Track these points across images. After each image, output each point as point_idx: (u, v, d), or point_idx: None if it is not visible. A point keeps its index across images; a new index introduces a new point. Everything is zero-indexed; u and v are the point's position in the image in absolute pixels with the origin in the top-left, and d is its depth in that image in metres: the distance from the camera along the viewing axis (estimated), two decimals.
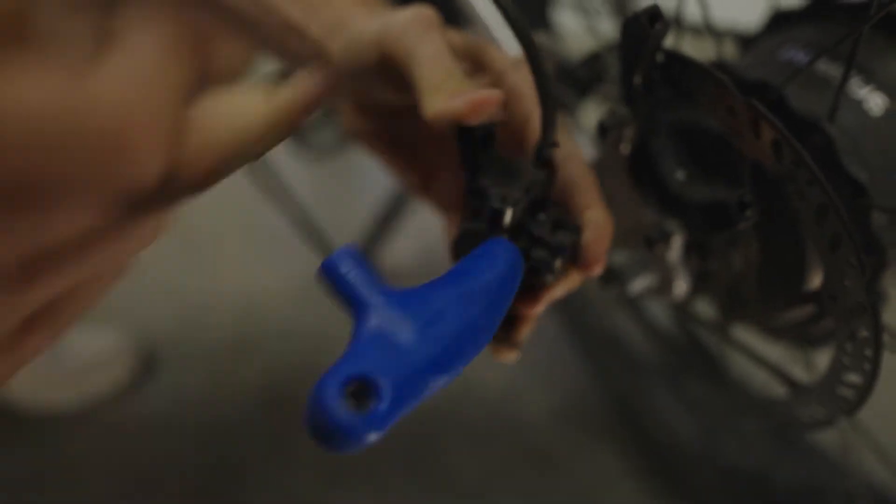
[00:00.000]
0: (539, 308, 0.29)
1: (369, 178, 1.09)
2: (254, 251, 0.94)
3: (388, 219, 0.85)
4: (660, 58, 0.29)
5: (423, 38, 0.27)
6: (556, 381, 0.73)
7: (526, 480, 0.64)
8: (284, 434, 0.67)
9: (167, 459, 0.64)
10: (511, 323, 0.30)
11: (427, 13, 0.29)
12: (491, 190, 0.26)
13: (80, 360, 0.71)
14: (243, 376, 0.73)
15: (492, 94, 0.25)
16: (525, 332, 0.30)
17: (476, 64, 0.31)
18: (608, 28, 0.51)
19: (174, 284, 0.87)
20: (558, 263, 0.27)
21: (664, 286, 0.35)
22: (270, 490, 0.62)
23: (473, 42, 0.31)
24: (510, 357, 0.30)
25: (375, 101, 0.33)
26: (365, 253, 0.86)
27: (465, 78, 0.26)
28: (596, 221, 0.28)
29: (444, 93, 0.25)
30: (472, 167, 0.27)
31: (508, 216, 0.25)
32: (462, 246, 0.27)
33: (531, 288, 0.28)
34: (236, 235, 0.98)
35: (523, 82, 0.29)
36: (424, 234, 0.91)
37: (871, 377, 0.28)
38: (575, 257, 0.28)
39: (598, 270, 0.28)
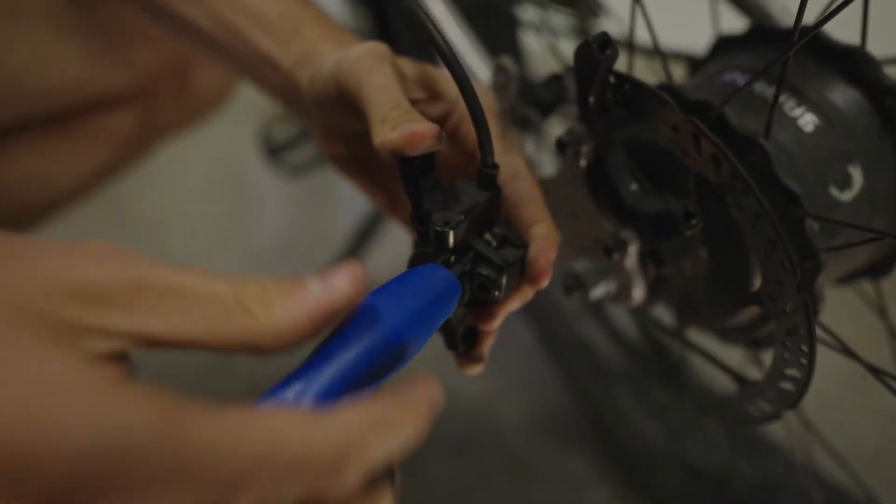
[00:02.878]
0: (496, 323, 0.30)
1: (348, 193, 1.11)
2: (234, 268, 0.95)
3: (366, 234, 0.87)
4: (611, 80, 0.32)
5: (372, 71, 0.29)
6: (530, 390, 0.75)
7: (502, 488, 0.65)
8: None
9: None
10: (473, 338, 0.31)
11: (379, 47, 0.31)
12: (434, 214, 0.28)
13: None
14: (223, 389, 0.74)
15: (427, 128, 0.27)
16: (487, 345, 0.31)
17: (430, 93, 0.33)
18: (570, 49, 0.53)
19: None
20: (504, 279, 0.29)
21: (623, 292, 0.37)
22: None
23: (428, 72, 0.33)
24: (475, 370, 0.31)
25: (341, 128, 0.35)
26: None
27: (411, 109, 0.28)
28: (541, 235, 0.30)
29: (389, 124, 0.27)
30: (415, 194, 0.29)
31: (451, 238, 0.27)
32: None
33: (484, 304, 0.30)
34: (217, 252, 0.99)
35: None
36: (402, 249, 0.93)
37: (808, 371, 0.30)
38: (523, 271, 0.30)
39: (544, 282, 0.30)
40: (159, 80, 0.56)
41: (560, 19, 0.57)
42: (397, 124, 0.27)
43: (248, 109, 0.99)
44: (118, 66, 0.53)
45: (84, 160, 0.58)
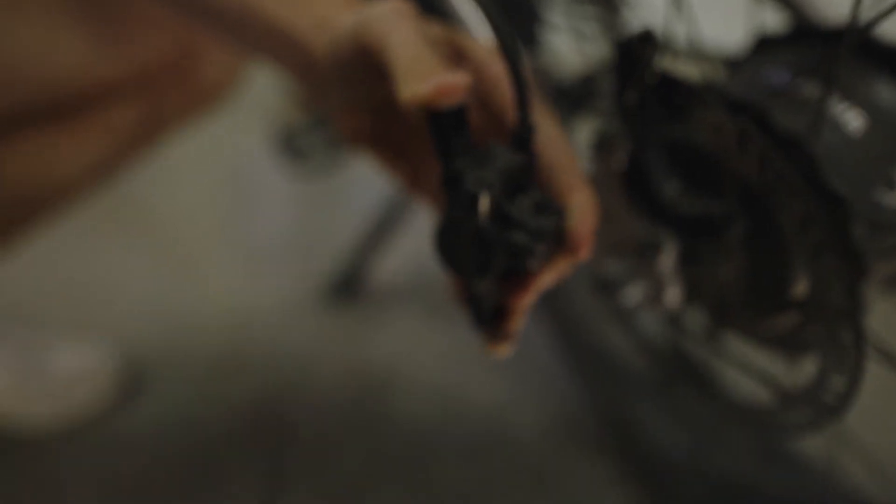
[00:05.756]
0: (529, 298, 0.28)
1: (352, 193, 1.10)
2: (241, 268, 0.94)
3: (378, 236, 0.86)
4: (652, 78, 0.31)
5: (395, 27, 0.28)
6: (546, 395, 0.74)
7: (517, 496, 0.64)
8: (273, 452, 0.67)
9: (152, 477, 0.64)
10: (501, 315, 0.29)
11: (401, 5, 0.29)
12: (466, 175, 0.26)
13: (65, 376, 0.70)
14: (230, 393, 0.73)
15: (458, 79, 0.25)
16: (516, 323, 0.29)
17: (457, 55, 0.32)
18: (599, 50, 0.52)
19: (160, 301, 0.86)
20: (541, 248, 0.27)
21: (657, 295, 0.36)
22: None
23: (453, 34, 0.32)
24: (504, 350, 0.29)
25: (361, 99, 0.34)
26: (356, 268, 0.86)
27: (437, 63, 0.27)
28: (580, 204, 0.28)
29: (415, 78, 0.26)
30: (445, 153, 0.27)
31: (485, 199, 0.25)
32: (442, 236, 0.27)
33: (517, 276, 0.28)
34: (223, 252, 0.98)
35: (504, 71, 0.29)
36: (415, 250, 0.92)
37: (855, 381, 0.29)
38: (560, 242, 0.28)
39: (584, 254, 0.28)
40: (163, 69, 0.55)
41: (583, 13, 0.56)
42: (425, 77, 0.26)
43: (250, 109, 0.99)
44: (120, 54, 0.52)
45: (87, 153, 0.57)
